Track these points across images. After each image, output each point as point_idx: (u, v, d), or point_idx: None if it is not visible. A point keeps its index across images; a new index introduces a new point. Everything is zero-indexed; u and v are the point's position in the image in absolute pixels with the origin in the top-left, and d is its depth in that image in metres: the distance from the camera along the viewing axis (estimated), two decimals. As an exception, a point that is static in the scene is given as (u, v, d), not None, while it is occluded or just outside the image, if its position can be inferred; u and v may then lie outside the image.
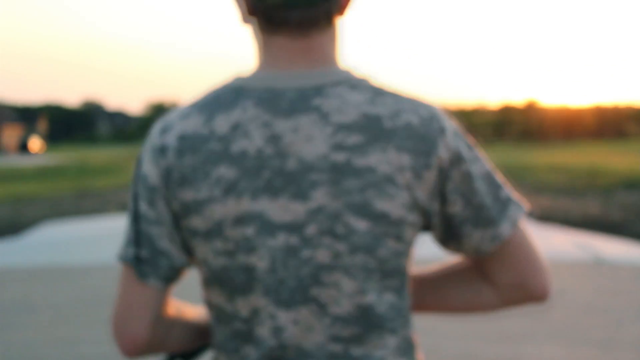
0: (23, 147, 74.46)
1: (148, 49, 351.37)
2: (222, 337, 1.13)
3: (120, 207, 15.32)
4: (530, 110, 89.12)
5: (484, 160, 1.12)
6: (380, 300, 1.07)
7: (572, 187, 18.25)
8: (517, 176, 22.72)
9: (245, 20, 1.10)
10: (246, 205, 1.02)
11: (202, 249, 1.08)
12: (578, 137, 71.50)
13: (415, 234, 1.09)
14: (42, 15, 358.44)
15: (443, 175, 1.06)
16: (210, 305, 1.14)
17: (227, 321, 1.11)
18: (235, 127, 1.03)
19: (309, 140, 1.02)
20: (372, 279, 1.05)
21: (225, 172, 1.03)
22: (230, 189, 1.03)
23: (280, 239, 1.03)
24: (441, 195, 1.07)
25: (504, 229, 1.11)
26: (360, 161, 1.01)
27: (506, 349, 4.82)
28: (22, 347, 5.10)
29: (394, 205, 1.03)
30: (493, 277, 1.17)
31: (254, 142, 1.02)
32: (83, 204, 16.61)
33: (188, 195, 1.04)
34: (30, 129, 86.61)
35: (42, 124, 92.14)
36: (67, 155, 59.41)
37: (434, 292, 1.24)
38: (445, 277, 1.24)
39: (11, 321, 5.84)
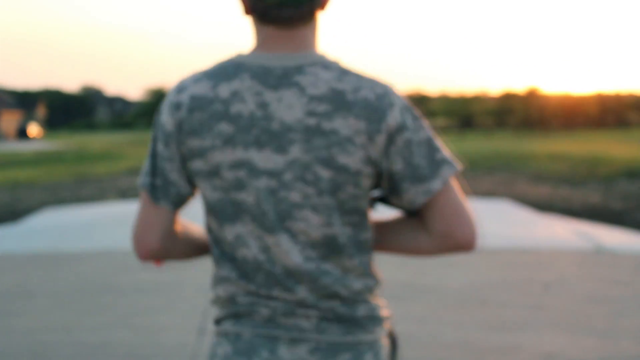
0: (22, 133, 74.32)
1: (147, 36, 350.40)
2: (216, 255, 1.46)
3: (119, 194, 15.30)
4: (531, 98, 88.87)
5: (426, 130, 1.38)
6: (342, 232, 1.38)
7: (572, 176, 18.24)
8: (518, 165, 22.72)
9: (245, 13, 1.40)
10: (239, 154, 1.35)
11: (203, 185, 1.41)
12: (579, 125, 71.32)
13: (370, 183, 1.38)
14: (41, 2, 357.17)
15: (389, 139, 1.35)
16: (208, 229, 1.46)
17: (217, 243, 1.45)
18: (235, 94, 1.35)
19: (289, 108, 1.34)
20: (334, 215, 1.36)
21: (225, 127, 1.35)
22: (228, 141, 1.35)
23: (264, 182, 1.35)
24: (387, 155, 1.35)
25: (435, 184, 1.37)
26: (327, 125, 1.33)
27: (506, 338, 4.80)
28: (20, 334, 5.09)
29: (352, 159, 1.33)
30: (427, 226, 1.42)
31: (247, 106, 1.35)
32: (82, 190, 16.59)
33: (195, 142, 1.37)
34: (29, 115, 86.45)
35: (41, 110, 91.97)
36: (66, 141, 59.34)
37: (386, 235, 1.51)
38: (395, 224, 1.51)
39: (9, 307, 5.82)
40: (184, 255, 1.57)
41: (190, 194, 1.46)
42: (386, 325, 1.51)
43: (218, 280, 1.48)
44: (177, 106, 1.39)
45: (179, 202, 1.45)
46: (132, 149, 42.65)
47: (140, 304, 5.82)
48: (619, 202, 12.72)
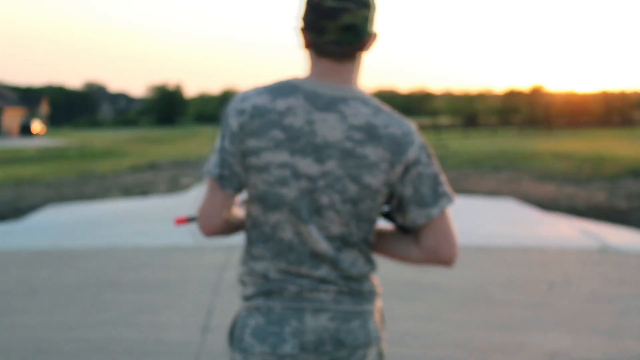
0: (25, 130, 74.28)
1: (150, 33, 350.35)
2: (254, 236, 1.79)
3: (122, 191, 15.29)
4: (536, 96, 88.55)
5: (434, 166, 1.76)
6: (355, 233, 1.76)
7: (577, 174, 18.18)
8: (523, 163, 22.67)
9: (305, 47, 1.75)
10: (286, 157, 1.69)
11: (254, 178, 1.73)
12: (584, 123, 71.01)
13: (384, 200, 1.76)
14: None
15: (406, 169, 1.72)
16: (249, 215, 1.80)
17: (259, 226, 1.77)
18: (289, 108, 1.70)
19: (331, 129, 1.70)
20: (352, 220, 1.74)
21: (277, 134, 1.69)
22: (278, 145, 1.69)
23: (303, 183, 1.71)
24: (402, 182, 1.73)
25: (435, 211, 1.74)
26: (360, 150, 1.70)
27: (510, 337, 4.78)
28: (23, 331, 5.07)
29: (375, 181, 1.71)
30: (420, 241, 1.79)
31: (298, 120, 1.69)
32: (85, 187, 16.58)
33: (252, 143, 1.71)
34: (32, 112, 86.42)
35: (44, 107, 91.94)
36: (69, 138, 59.36)
37: (385, 242, 1.87)
38: (393, 235, 1.87)
39: (13, 304, 5.81)
40: (230, 232, 1.87)
41: (246, 184, 1.77)
42: (379, 299, 1.88)
43: (252, 258, 1.80)
44: (241, 112, 1.73)
45: (240, 189, 1.78)
46: (135, 146, 42.66)
47: (144, 301, 5.81)
48: (624, 201, 12.67)
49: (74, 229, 9.74)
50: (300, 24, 1.76)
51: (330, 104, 1.71)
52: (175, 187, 16.13)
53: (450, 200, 1.77)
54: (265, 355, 1.75)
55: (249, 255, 1.80)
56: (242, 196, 1.88)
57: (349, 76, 1.75)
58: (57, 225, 10.18)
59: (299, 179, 1.71)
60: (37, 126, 75.42)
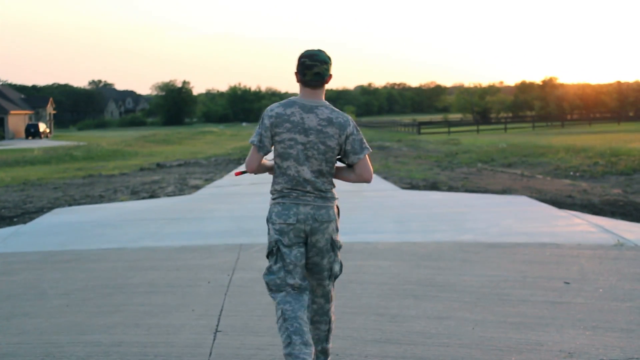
0: (31, 132, 74.27)
1: (156, 31, 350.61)
2: (277, 173, 3.88)
3: (130, 192, 15.24)
4: (548, 88, 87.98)
5: (360, 135, 3.85)
6: (325, 169, 3.83)
7: (593, 169, 18.04)
8: (536, 159, 22.49)
9: (297, 81, 3.86)
10: (292, 135, 3.80)
11: (277, 145, 3.83)
12: (598, 117, 70.38)
13: (337, 153, 3.85)
14: None
15: (346, 137, 3.82)
16: (275, 163, 3.88)
17: (280, 169, 3.86)
18: (292, 113, 3.82)
19: (311, 121, 3.81)
20: (323, 163, 3.81)
21: (287, 125, 3.81)
22: (288, 130, 3.80)
23: (299, 146, 3.80)
24: (345, 143, 3.82)
25: (361, 156, 3.84)
26: (325, 130, 3.80)
27: (526, 336, 4.69)
28: (32, 334, 5.02)
29: (333, 143, 3.80)
30: (354, 171, 3.89)
31: (296, 118, 3.82)
32: (92, 188, 16.54)
33: (276, 130, 3.82)
34: (37, 113, 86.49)
35: (50, 108, 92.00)
36: (76, 139, 59.40)
37: (338, 172, 3.97)
38: (342, 169, 3.97)
39: (22, 308, 5.75)
40: (261, 172, 3.96)
41: (270, 150, 3.83)
42: (337, 201, 3.90)
43: (276, 182, 3.86)
44: (270, 116, 3.81)
45: (266, 153, 3.85)
46: (142, 146, 42.65)
47: (154, 303, 5.74)
48: None
49: (83, 231, 9.69)
50: (295, 70, 3.86)
51: (311, 109, 3.83)
52: (183, 187, 16.07)
53: (368, 150, 3.88)
54: (281, 224, 3.82)
55: (275, 182, 3.90)
56: (269, 156, 3.95)
57: (320, 96, 3.88)
58: (66, 227, 10.13)
59: (297, 145, 3.81)
60: (43, 128, 75.43)
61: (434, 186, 14.59)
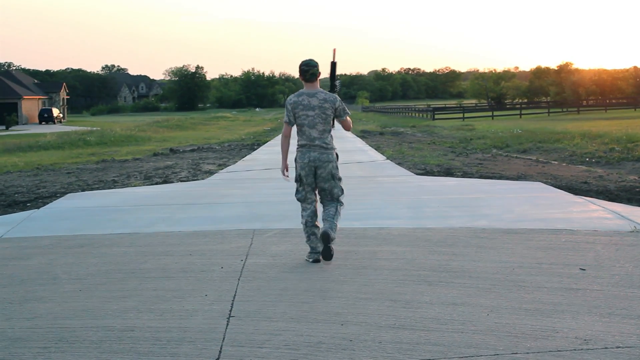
0: (44, 117, 74.55)
1: (170, 16, 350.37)
2: (299, 135, 6.65)
3: (142, 178, 15.26)
4: (564, 73, 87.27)
5: (344, 105, 6.69)
6: (326, 129, 6.61)
7: (609, 155, 17.88)
8: (551, 145, 22.32)
9: (301, 79, 6.67)
10: (304, 112, 6.57)
11: (297, 119, 6.60)
12: (614, 103, 69.82)
13: (332, 116, 6.63)
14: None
15: (336, 109, 6.62)
16: (297, 129, 6.67)
17: (300, 132, 6.62)
18: (302, 99, 6.59)
19: (315, 101, 6.59)
20: (325, 124, 6.59)
21: (302, 107, 6.58)
22: (302, 110, 6.57)
23: (309, 118, 6.56)
24: (336, 111, 6.63)
25: (345, 117, 6.75)
26: (324, 105, 6.58)
27: (542, 322, 4.64)
28: (45, 319, 5.03)
29: (330, 112, 6.59)
30: (342, 125, 6.88)
31: (304, 101, 6.60)
32: (105, 173, 16.57)
33: (295, 111, 6.60)
34: (51, 98, 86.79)
35: (63, 93, 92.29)
36: (89, 124, 59.64)
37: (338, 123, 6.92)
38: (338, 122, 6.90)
39: (34, 292, 5.76)
40: (288, 141, 6.81)
41: (294, 123, 6.59)
42: (335, 150, 6.65)
43: (299, 140, 6.59)
44: (290, 103, 6.58)
45: (292, 125, 6.64)
46: (156, 131, 42.69)
47: (167, 288, 5.74)
48: (653, 182, 12.42)
49: (96, 216, 9.71)
50: (299, 74, 6.60)
51: (313, 95, 6.52)
52: (196, 173, 16.07)
53: (348, 114, 6.77)
54: (302, 163, 6.49)
55: (298, 139, 6.57)
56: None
57: (316, 86, 6.58)
58: (79, 212, 10.15)
59: (308, 117, 6.50)
60: (56, 113, 75.66)
61: (448, 172, 14.52)
